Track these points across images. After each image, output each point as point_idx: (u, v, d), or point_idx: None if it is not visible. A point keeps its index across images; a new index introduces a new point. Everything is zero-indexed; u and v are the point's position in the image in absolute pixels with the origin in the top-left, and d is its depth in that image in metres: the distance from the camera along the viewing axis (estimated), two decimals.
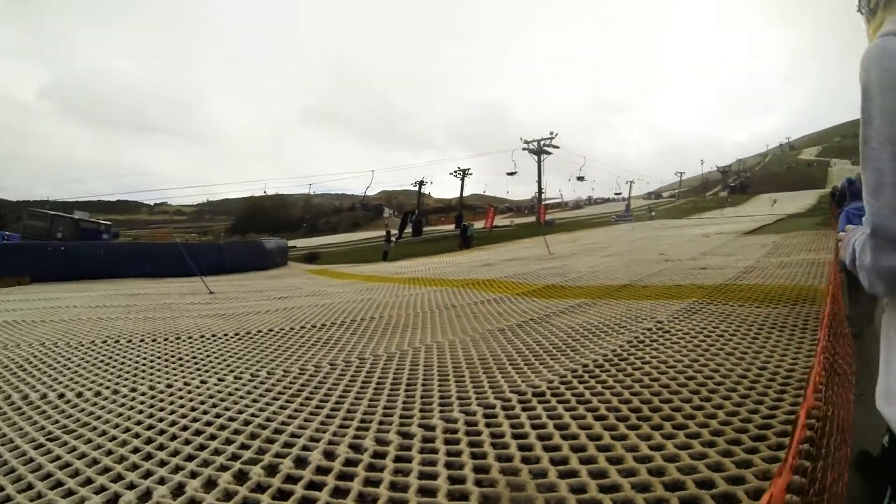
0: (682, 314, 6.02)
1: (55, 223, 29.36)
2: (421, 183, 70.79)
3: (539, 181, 65.69)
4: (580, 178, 76.52)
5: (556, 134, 64.24)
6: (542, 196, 67.50)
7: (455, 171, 67.73)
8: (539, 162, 65.43)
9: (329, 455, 2.86)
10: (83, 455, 3.09)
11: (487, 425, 3.12)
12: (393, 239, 36.97)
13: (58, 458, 3.08)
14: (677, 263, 11.83)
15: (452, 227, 57.34)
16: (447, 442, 2.93)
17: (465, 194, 70.62)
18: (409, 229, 51.12)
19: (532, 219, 67.40)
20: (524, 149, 65.39)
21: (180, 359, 5.46)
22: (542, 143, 64.98)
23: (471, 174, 66.68)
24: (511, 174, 66.21)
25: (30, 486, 2.75)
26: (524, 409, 3.33)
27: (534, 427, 3.03)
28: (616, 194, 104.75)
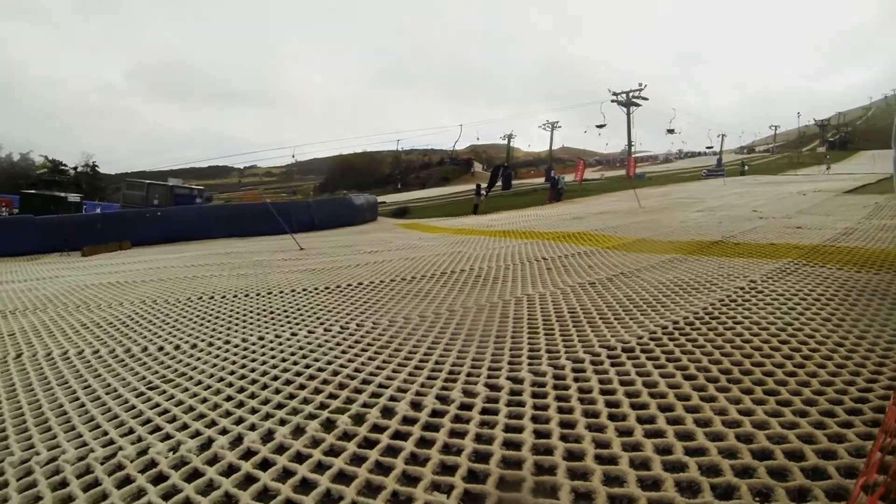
0: (777, 274, 5.80)
1: (151, 191, 30.86)
2: (510, 136, 70.18)
3: (629, 134, 63.95)
4: (670, 131, 73.90)
5: (645, 85, 62.25)
6: (632, 149, 65.74)
7: (543, 125, 66.80)
8: (628, 114, 63.60)
9: (416, 406, 2.91)
10: (180, 402, 3.26)
11: (575, 380, 3.11)
12: (483, 192, 36.81)
13: (157, 405, 3.26)
14: (771, 221, 11.37)
15: (542, 179, 56.73)
16: (534, 395, 2.93)
17: (553, 148, 69.66)
18: (499, 182, 50.79)
19: (622, 172, 65.81)
20: (613, 101, 63.64)
21: (271, 312, 5.62)
22: (630, 94, 63.06)
23: (559, 127, 65.61)
24: (600, 126, 64.83)
25: (131, 431, 2.92)
26: (613, 365, 3.30)
27: (622, 384, 3.00)
28: (707, 148, 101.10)
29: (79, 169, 60.33)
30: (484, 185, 41.48)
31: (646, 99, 63.29)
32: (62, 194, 33.01)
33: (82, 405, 3.40)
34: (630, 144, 64.76)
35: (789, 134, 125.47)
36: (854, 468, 2.06)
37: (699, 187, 30.59)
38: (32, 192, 34.25)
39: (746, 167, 59.49)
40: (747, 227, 10.35)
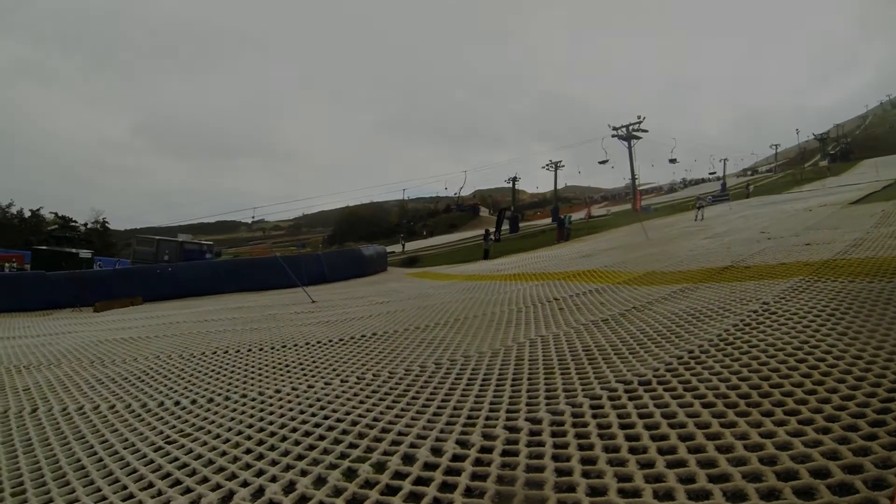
0: (789, 293, 5.79)
1: (161, 247, 31.32)
2: (514, 179, 70.70)
3: (631, 167, 64.11)
4: (672, 161, 73.75)
5: (644, 117, 62.62)
6: (637, 181, 65.82)
7: (547, 165, 67.24)
8: (629, 148, 63.85)
9: (436, 451, 2.90)
10: (199, 456, 3.27)
11: (594, 416, 3.09)
12: (492, 237, 36.87)
13: (175, 459, 3.27)
14: (780, 241, 11.38)
15: (549, 220, 56.91)
16: (554, 434, 2.92)
17: (557, 187, 70.00)
18: (506, 226, 50.93)
19: (628, 206, 65.82)
20: (613, 135, 63.95)
21: (287, 366, 5.63)
22: (630, 128, 63.39)
23: (563, 166, 66.01)
24: (602, 162, 64.99)
25: (150, 485, 2.93)
26: (630, 399, 3.29)
27: (640, 416, 2.99)
28: (710, 174, 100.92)
29: (89, 225, 61.23)
30: (493, 230, 41.64)
31: (645, 131, 63.61)
32: (74, 250, 33.50)
33: (100, 460, 3.42)
34: (634, 178, 64.94)
35: (789, 151, 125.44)
36: (882, 480, 2.05)
37: (705, 215, 30.44)
38: (44, 248, 34.74)
39: (752, 188, 59.35)
40: (756, 250, 10.35)
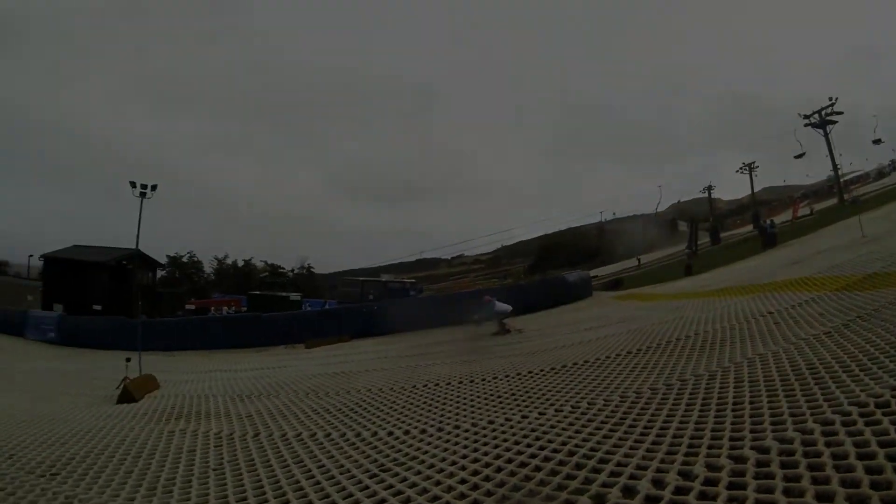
0: None
1: (366, 287, 33.67)
2: (709, 188, 67.52)
3: (832, 156, 58.26)
4: (876, 142, 65.37)
5: (836, 98, 56.75)
6: (839, 171, 59.74)
7: (741, 168, 63.39)
8: (826, 135, 58.09)
9: (658, 483, 2.82)
10: (413, 485, 3.41)
11: (827, 444, 2.86)
12: (689, 250, 35.47)
13: (390, 486, 3.45)
14: None
15: (750, 227, 53.65)
16: (783, 465, 2.73)
17: (754, 190, 65.75)
18: (705, 238, 48.77)
19: (833, 201, 60.00)
20: (806, 125, 58.60)
21: (499, 396, 5.70)
22: (823, 112, 57.68)
23: (757, 167, 61.80)
24: (798, 156, 59.83)
25: None
26: (867, 424, 3.00)
27: (881, 445, 2.72)
28: None
29: (296, 271, 66.56)
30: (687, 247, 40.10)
31: (840, 113, 57.61)
32: (285, 294, 37.16)
33: (318, 483, 3.71)
34: (836, 168, 59.13)
35: None
36: None
37: None
38: (258, 292, 39.03)
39: None
40: None
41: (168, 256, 57.65)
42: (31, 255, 53.59)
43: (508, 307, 14.76)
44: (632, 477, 2.96)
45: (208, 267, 63.51)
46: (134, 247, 27.98)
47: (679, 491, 2.71)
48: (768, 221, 37.04)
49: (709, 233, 50.78)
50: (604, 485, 2.93)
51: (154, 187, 29.13)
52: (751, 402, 3.83)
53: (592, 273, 38.99)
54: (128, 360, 10.64)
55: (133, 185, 28.76)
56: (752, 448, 3.00)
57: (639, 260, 55.08)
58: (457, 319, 19.18)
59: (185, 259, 61.16)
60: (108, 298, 37.00)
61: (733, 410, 3.75)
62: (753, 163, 61.03)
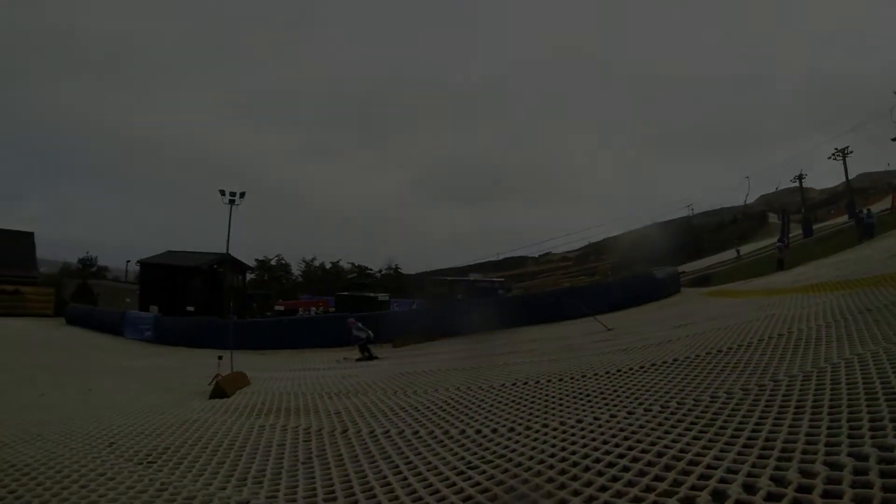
0: None
1: (454, 286, 34.08)
2: (800, 177, 64.42)
3: None
4: None
5: None
6: None
7: (833, 154, 60.00)
8: None
9: (749, 488, 2.75)
10: (501, 482, 3.42)
11: None
12: (781, 243, 34.02)
13: (477, 483, 3.47)
14: None
15: (845, 217, 50.95)
16: (883, 474, 2.60)
17: (849, 177, 62.06)
18: (797, 231, 46.68)
19: None
20: None
21: (587, 395, 5.66)
22: None
23: (851, 152, 58.08)
24: None
25: None
26: None
27: None
28: None
29: (383, 272, 67.58)
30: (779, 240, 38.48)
31: None
32: (372, 294, 37.95)
33: (405, 478, 3.77)
34: None
35: None
36: None
37: None
38: (346, 293, 40.06)
39: None
40: None
41: (256, 260, 60.02)
42: (128, 261, 57.59)
43: (368, 333, 15.70)
44: (722, 480, 2.89)
45: (296, 269, 65.50)
46: (225, 251, 28.94)
47: (771, 497, 2.63)
48: (865, 211, 34.75)
49: (801, 224, 48.57)
50: (693, 487, 2.88)
51: (243, 194, 29.84)
52: (848, 406, 3.67)
53: (681, 269, 37.95)
54: (220, 357, 11.24)
55: (222, 193, 29.54)
56: (849, 455, 2.88)
57: (738, 251, 53.19)
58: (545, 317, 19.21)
59: (273, 262, 63.38)
60: (201, 300, 39.56)
61: (829, 414, 3.60)
62: (847, 148, 57.36)
